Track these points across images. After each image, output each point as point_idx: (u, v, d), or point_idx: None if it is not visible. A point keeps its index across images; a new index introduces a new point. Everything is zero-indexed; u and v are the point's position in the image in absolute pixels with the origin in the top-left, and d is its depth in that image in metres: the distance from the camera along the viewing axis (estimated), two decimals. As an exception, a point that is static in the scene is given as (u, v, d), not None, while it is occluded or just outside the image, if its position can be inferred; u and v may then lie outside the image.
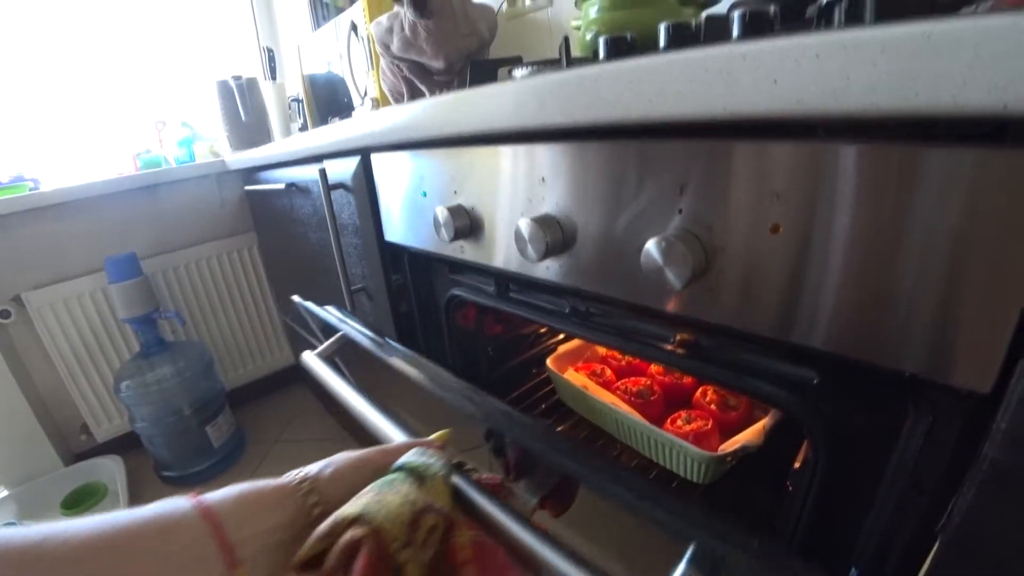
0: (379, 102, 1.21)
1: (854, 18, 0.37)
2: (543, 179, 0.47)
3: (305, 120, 1.63)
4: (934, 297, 0.29)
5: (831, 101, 0.28)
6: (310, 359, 0.63)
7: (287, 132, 1.75)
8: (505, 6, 1.23)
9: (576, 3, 0.82)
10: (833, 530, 0.43)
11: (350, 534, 0.29)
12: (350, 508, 0.31)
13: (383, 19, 0.88)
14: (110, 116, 1.81)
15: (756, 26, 0.39)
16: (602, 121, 0.38)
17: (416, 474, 0.35)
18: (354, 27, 1.28)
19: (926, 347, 0.30)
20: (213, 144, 1.86)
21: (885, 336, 0.31)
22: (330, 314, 0.70)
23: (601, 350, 0.92)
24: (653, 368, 0.85)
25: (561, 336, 1.00)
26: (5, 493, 1.42)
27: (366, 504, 0.31)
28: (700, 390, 0.79)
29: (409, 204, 0.68)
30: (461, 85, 0.87)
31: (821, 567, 0.35)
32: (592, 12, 0.79)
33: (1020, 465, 0.28)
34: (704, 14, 0.54)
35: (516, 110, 0.45)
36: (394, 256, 0.80)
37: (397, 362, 0.56)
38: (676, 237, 0.37)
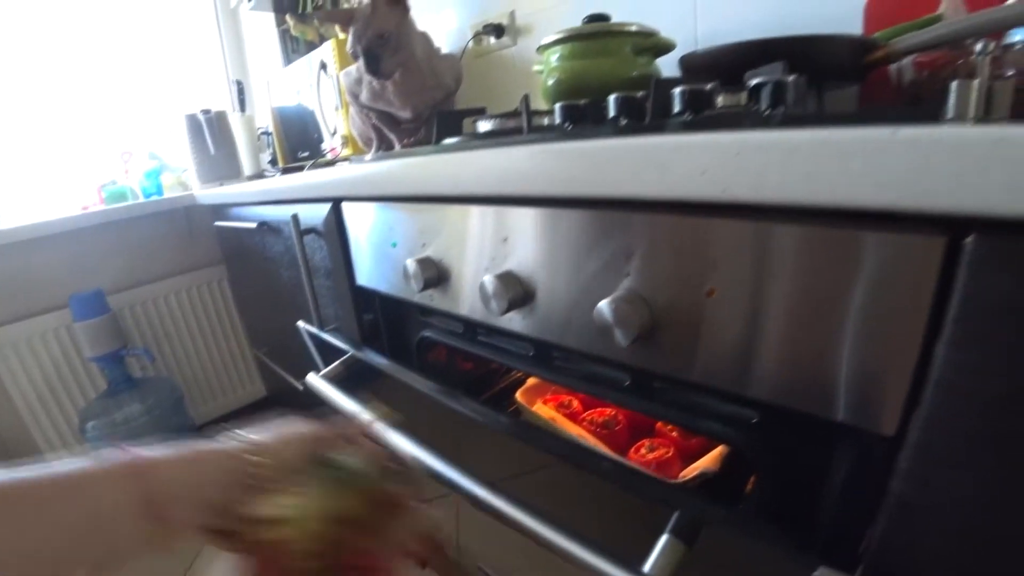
0: (349, 140, 1.24)
1: (778, 101, 0.42)
2: (505, 239, 0.51)
3: (275, 153, 1.64)
4: (844, 354, 0.33)
5: (752, 192, 0.32)
6: (316, 381, 0.66)
7: (257, 164, 1.76)
8: (471, 44, 1.27)
9: (537, 49, 0.86)
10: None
11: (266, 535, 0.32)
12: (270, 508, 0.33)
13: (352, 69, 0.92)
14: (74, 146, 1.78)
15: (695, 106, 0.44)
16: (556, 196, 0.42)
17: (342, 478, 0.36)
18: (323, 66, 1.31)
19: (840, 396, 0.34)
20: (181, 175, 1.86)
21: (805, 387, 0.36)
22: (337, 338, 0.74)
23: (568, 382, 0.95)
24: (618, 398, 0.89)
25: (531, 367, 1.03)
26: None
27: (284, 507, 0.33)
28: (663, 418, 0.83)
29: (380, 252, 0.71)
30: (428, 135, 0.91)
31: (788, 532, 0.39)
32: (553, 60, 0.84)
33: (919, 498, 0.32)
34: (654, 79, 0.59)
35: (480, 178, 0.48)
36: (365, 298, 0.83)
37: (411, 378, 0.60)
38: (624, 300, 0.41)
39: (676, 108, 0.45)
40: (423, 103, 0.89)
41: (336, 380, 0.68)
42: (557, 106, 0.55)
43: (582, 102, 0.55)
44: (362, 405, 0.55)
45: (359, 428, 0.42)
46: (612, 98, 0.50)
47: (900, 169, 0.26)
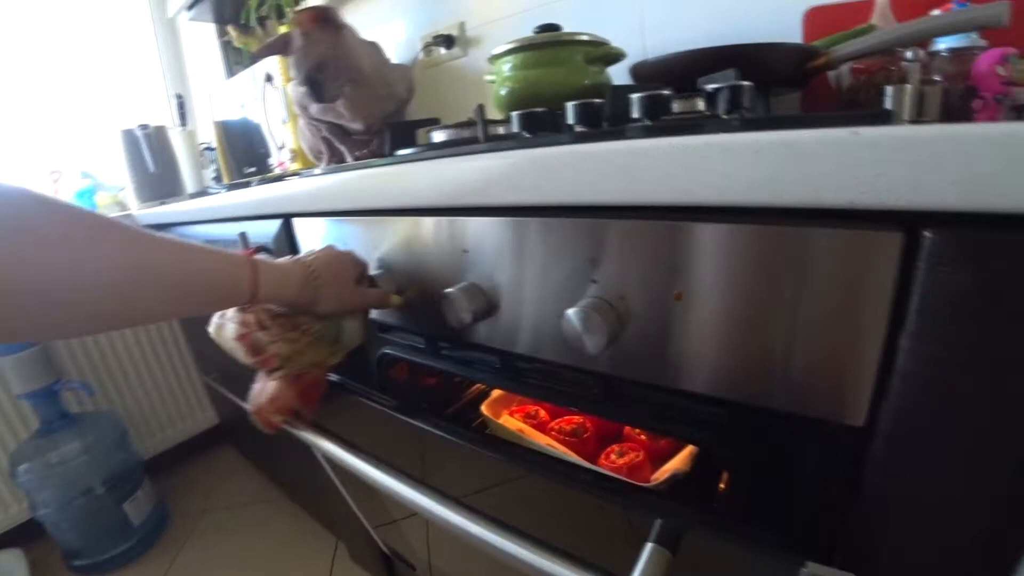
0: (298, 153, 1.20)
1: (735, 106, 0.43)
2: (466, 251, 0.49)
3: (219, 169, 1.58)
4: (812, 350, 0.34)
5: (717, 195, 0.32)
6: None
7: (200, 181, 1.69)
8: (422, 55, 1.26)
9: (489, 59, 0.86)
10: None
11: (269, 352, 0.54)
12: (282, 346, 0.55)
13: (299, 80, 0.89)
14: (-3, 168, 1.66)
15: (652, 111, 0.44)
16: (517, 204, 0.41)
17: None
18: (269, 78, 1.27)
19: (809, 391, 0.35)
20: (118, 194, 1.76)
21: (775, 384, 0.36)
22: None
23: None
24: (586, 405, 0.89)
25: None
26: None
27: (283, 345, 0.54)
28: (630, 423, 0.83)
29: (335, 268, 0.68)
30: (381, 146, 0.89)
31: (771, 532, 0.39)
32: (505, 69, 0.83)
33: (891, 486, 0.33)
34: (610, 86, 0.60)
35: (437, 189, 0.47)
36: (323, 316, 0.79)
37: (374, 397, 0.64)
38: (592, 307, 0.40)
39: (634, 114, 0.45)
40: (374, 115, 0.87)
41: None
42: (514, 114, 0.54)
43: (539, 110, 0.55)
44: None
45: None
46: (570, 105, 0.50)
47: (861, 168, 0.27)
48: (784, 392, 0.36)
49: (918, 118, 0.62)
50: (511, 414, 0.88)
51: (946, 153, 0.25)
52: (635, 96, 0.44)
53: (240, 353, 0.55)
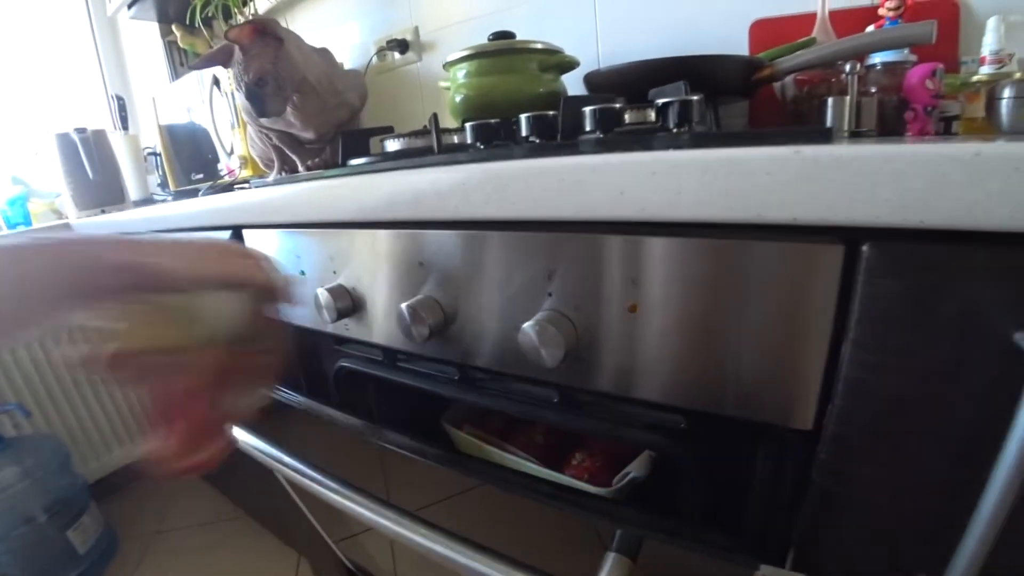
0: (248, 160, 1.16)
1: (684, 119, 0.44)
2: (421, 264, 0.49)
3: (164, 175, 1.51)
4: (761, 357, 0.35)
5: (669, 210, 0.33)
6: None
7: (144, 188, 1.61)
8: (375, 60, 1.24)
9: (444, 66, 0.85)
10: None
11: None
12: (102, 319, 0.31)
13: (247, 86, 0.86)
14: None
15: (605, 124, 0.44)
16: (471, 219, 0.41)
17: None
18: (216, 82, 1.22)
19: (759, 397, 0.36)
20: (54, 201, 1.66)
21: (728, 391, 0.37)
22: None
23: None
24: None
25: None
26: None
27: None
28: (592, 428, 0.83)
29: (288, 281, 0.66)
30: (334, 155, 0.86)
31: (727, 535, 0.40)
32: (460, 76, 0.83)
33: (838, 487, 0.34)
34: (563, 97, 0.60)
35: (390, 202, 0.46)
36: (276, 329, 0.77)
37: (330, 414, 0.55)
38: (548, 320, 0.40)
39: (587, 126, 0.45)
40: (326, 123, 0.85)
41: (249, 424, 0.63)
42: (468, 125, 0.54)
43: (493, 121, 0.54)
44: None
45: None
46: (523, 117, 0.50)
47: (802, 185, 0.28)
48: (736, 399, 0.37)
49: (856, 128, 0.65)
50: (473, 424, 0.87)
51: (879, 171, 0.26)
52: (587, 109, 0.45)
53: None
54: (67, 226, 1.43)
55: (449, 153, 0.55)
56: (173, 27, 1.52)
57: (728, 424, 0.42)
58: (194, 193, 1.04)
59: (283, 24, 0.93)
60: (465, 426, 0.86)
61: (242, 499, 1.40)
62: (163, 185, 1.55)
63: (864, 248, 0.29)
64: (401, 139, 0.67)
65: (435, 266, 0.48)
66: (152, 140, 1.63)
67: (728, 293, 0.34)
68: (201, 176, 1.41)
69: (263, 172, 1.11)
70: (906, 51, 0.66)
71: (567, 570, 0.42)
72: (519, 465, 0.76)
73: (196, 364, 0.34)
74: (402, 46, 1.18)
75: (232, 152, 1.22)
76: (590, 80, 0.77)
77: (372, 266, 0.54)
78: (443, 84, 0.88)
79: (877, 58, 0.67)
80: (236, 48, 0.75)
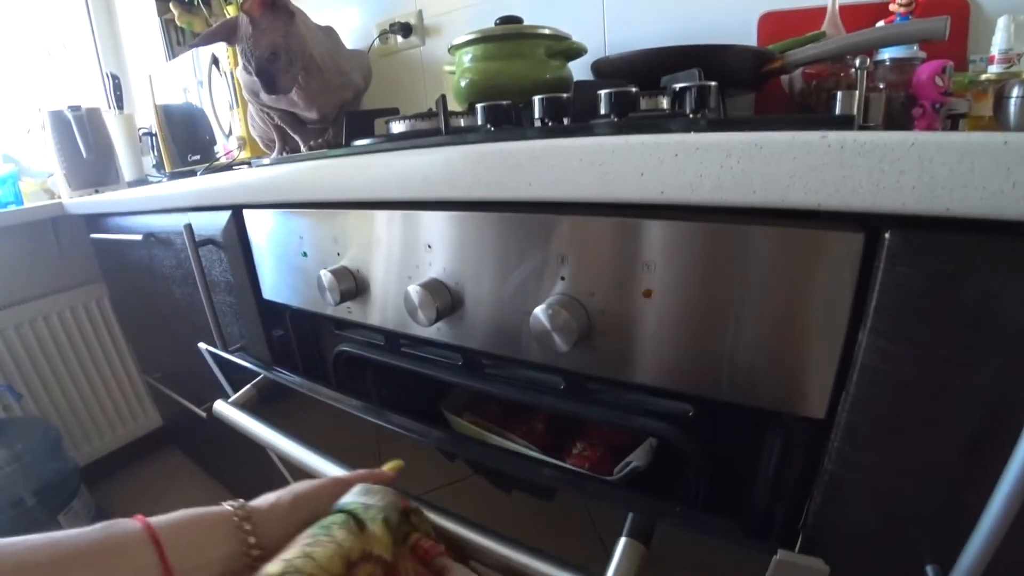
0: (247, 142, 1.14)
1: (701, 105, 0.43)
2: (429, 246, 0.48)
3: (160, 156, 1.49)
4: (776, 345, 0.34)
5: (689, 193, 0.32)
6: (225, 409, 0.59)
7: (139, 169, 1.59)
8: (377, 43, 1.23)
9: (449, 49, 0.84)
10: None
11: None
12: (274, 566, 0.29)
13: (249, 64, 0.84)
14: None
15: (620, 108, 0.44)
16: (485, 199, 0.40)
17: (355, 517, 0.33)
18: (215, 61, 1.20)
19: (773, 385, 0.36)
20: (46, 181, 1.63)
21: (741, 379, 0.37)
22: (245, 359, 0.69)
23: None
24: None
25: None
26: None
27: (291, 559, 0.30)
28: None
29: (289, 264, 0.65)
30: (337, 136, 0.85)
31: (735, 521, 0.40)
32: (466, 60, 0.82)
33: (850, 475, 0.34)
34: (574, 81, 0.59)
35: (401, 183, 0.45)
36: (274, 313, 0.76)
37: (332, 396, 0.57)
38: (561, 304, 0.40)
39: (602, 110, 0.45)
40: (330, 103, 0.84)
41: (248, 407, 0.62)
42: (479, 106, 0.53)
43: (504, 103, 0.54)
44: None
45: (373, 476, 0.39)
46: (537, 99, 0.50)
47: (828, 170, 0.27)
48: (749, 387, 0.37)
49: (864, 123, 0.65)
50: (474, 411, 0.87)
51: (906, 158, 0.26)
52: (603, 92, 0.44)
53: None
54: (60, 206, 1.41)
55: (458, 134, 0.54)
56: (171, 5, 1.49)
57: (736, 412, 0.42)
58: (191, 174, 1.02)
59: (286, 3, 0.92)
60: (465, 414, 0.86)
61: (236, 484, 1.39)
62: (158, 166, 1.53)
63: (886, 236, 0.29)
64: (407, 120, 0.67)
65: (443, 248, 0.47)
66: (148, 120, 1.61)
67: (744, 280, 0.34)
68: (198, 157, 1.39)
69: (262, 153, 1.09)
70: (915, 47, 0.66)
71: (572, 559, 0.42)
72: (522, 453, 0.76)
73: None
74: (405, 30, 1.16)
75: (230, 133, 1.20)
76: (598, 67, 0.76)
77: (377, 248, 0.53)
78: (448, 68, 0.87)
79: (886, 54, 0.67)
80: (244, 23, 0.73)
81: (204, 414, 1.16)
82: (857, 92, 0.65)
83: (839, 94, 0.65)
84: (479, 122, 0.53)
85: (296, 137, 0.90)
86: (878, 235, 0.29)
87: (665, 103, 0.47)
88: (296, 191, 0.57)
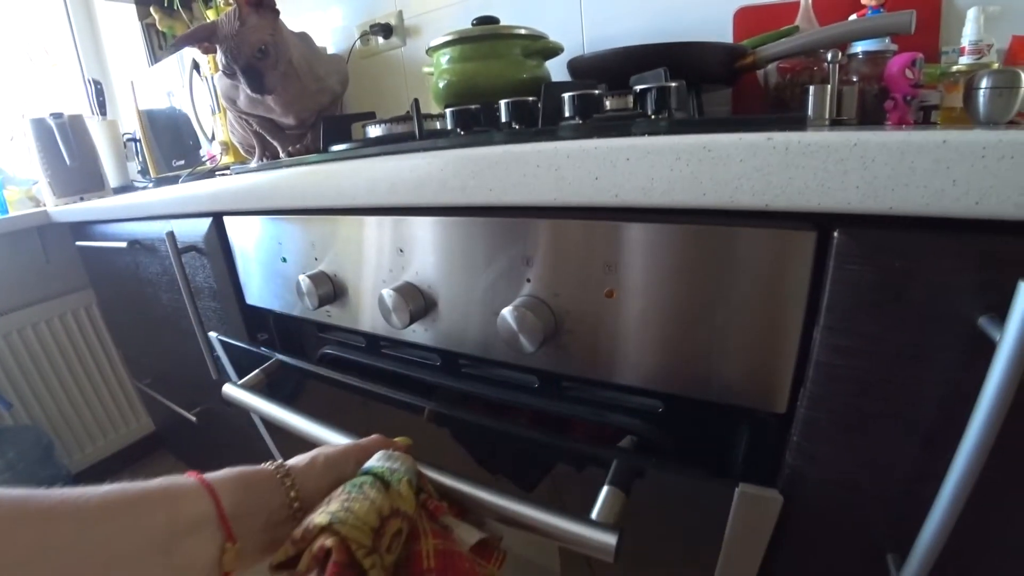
0: (229, 146, 1.14)
1: (662, 106, 0.44)
2: (401, 250, 0.48)
3: (144, 162, 1.48)
4: (736, 342, 0.35)
5: (642, 196, 0.33)
6: (235, 392, 0.61)
7: (124, 175, 1.58)
8: (359, 44, 1.22)
9: (427, 51, 0.84)
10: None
11: (320, 542, 0.31)
12: (320, 517, 0.32)
13: (227, 71, 0.84)
14: None
15: (584, 110, 0.44)
16: (449, 205, 0.41)
17: (382, 479, 0.36)
18: (196, 66, 1.20)
19: (734, 382, 0.36)
20: (31, 188, 1.62)
21: (704, 375, 0.37)
22: (252, 344, 0.72)
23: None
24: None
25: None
26: None
27: (335, 512, 0.32)
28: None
29: (270, 269, 0.66)
30: (315, 141, 0.85)
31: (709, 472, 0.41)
32: (443, 62, 0.82)
33: (809, 468, 0.35)
34: (544, 83, 0.59)
35: (371, 188, 0.46)
36: (258, 317, 0.77)
37: (344, 377, 0.59)
38: (527, 306, 0.40)
39: (567, 112, 0.45)
40: (307, 109, 0.84)
41: (258, 390, 0.63)
42: (448, 111, 0.53)
43: (473, 107, 0.54)
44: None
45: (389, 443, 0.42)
46: (503, 103, 0.50)
47: (773, 172, 0.28)
48: (712, 383, 0.37)
49: (837, 116, 0.66)
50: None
51: (848, 158, 0.26)
52: (567, 95, 0.44)
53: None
54: (45, 214, 1.40)
55: (430, 139, 0.55)
56: (151, 9, 1.48)
57: (704, 408, 0.43)
58: (175, 180, 1.02)
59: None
60: (450, 413, 0.87)
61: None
62: (143, 172, 1.52)
63: (835, 234, 0.29)
64: (383, 125, 0.67)
65: (415, 253, 0.48)
66: (132, 126, 1.60)
67: (703, 279, 0.35)
68: (182, 162, 1.39)
69: (244, 159, 1.09)
70: (887, 40, 0.66)
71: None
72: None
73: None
74: (386, 30, 1.16)
75: (213, 138, 1.20)
76: (573, 66, 0.77)
77: (353, 253, 0.53)
78: (427, 70, 0.87)
79: (859, 47, 0.68)
80: (229, 19, 0.73)
81: (195, 418, 1.16)
82: (829, 86, 0.66)
83: (811, 88, 0.66)
84: (449, 126, 0.53)
85: (275, 143, 0.90)
86: (829, 234, 0.30)
87: (632, 103, 0.47)
88: (272, 198, 0.57)
